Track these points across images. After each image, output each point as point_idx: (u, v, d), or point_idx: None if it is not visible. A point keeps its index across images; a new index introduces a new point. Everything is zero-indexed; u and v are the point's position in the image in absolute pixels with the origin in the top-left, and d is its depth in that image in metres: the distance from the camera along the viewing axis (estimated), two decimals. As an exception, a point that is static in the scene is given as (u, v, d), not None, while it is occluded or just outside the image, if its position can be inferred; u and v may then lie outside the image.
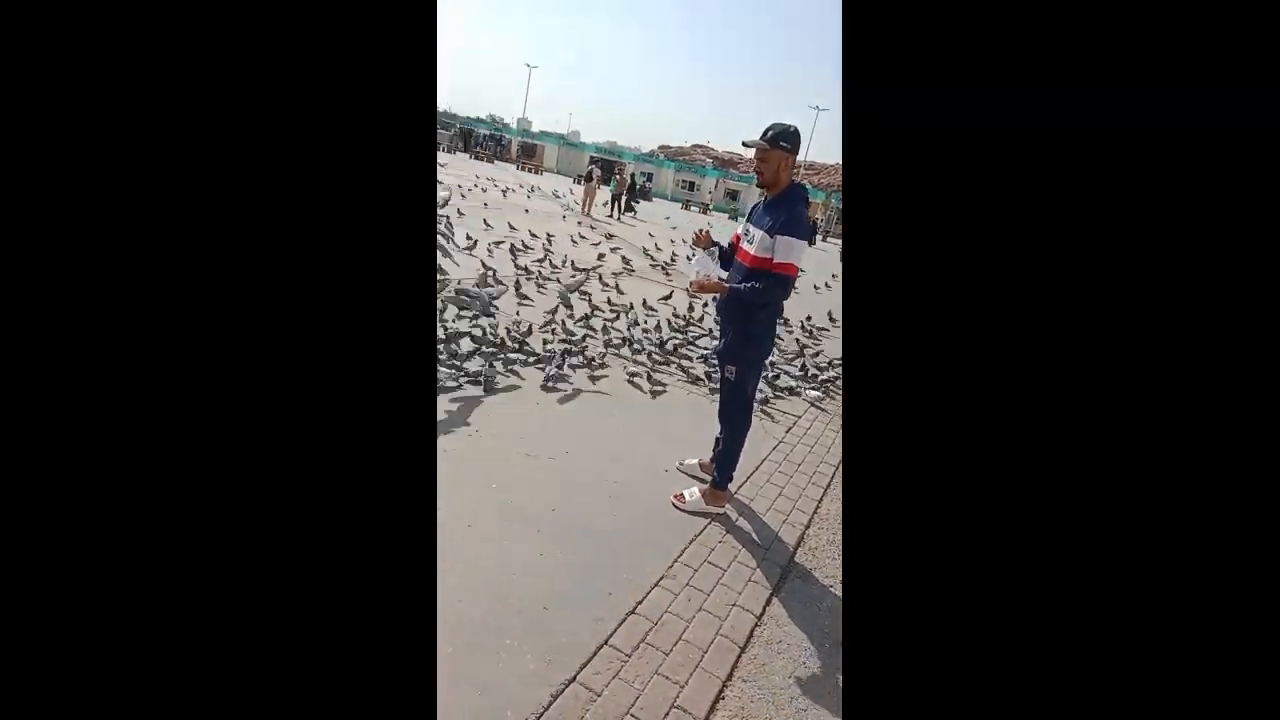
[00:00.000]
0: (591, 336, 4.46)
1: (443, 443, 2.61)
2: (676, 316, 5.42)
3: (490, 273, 5.17)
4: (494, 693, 1.50)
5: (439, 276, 4.84)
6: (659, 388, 3.74)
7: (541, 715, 1.46)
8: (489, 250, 6.74)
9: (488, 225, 8.29)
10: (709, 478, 2.55)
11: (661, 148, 49.34)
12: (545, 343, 4.05)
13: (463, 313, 4.14)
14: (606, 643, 1.71)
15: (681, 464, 2.79)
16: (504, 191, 13.76)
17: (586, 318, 4.82)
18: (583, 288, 5.56)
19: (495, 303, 4.30)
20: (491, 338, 3.87)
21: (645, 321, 5.09)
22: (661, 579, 2.03)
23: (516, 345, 3.83)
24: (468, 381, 3.23)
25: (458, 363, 3.38)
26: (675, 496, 2.49)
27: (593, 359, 3.90)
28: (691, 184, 36.58)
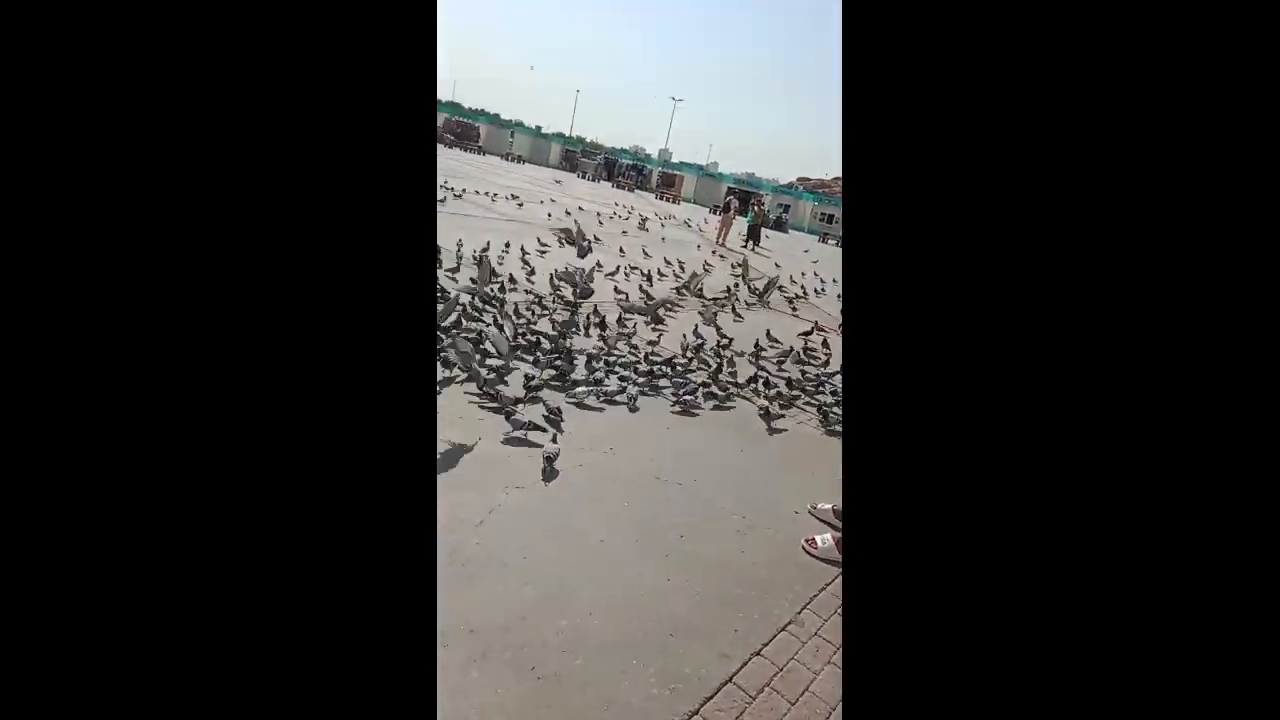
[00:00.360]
0: (723, 365, 4.47)
1: (579, 457, 2.74)
2: (809, 351, 5.27)
3: (623, 296, 5.41)
4: (619, 710, 1.53)
5: (578, 300, 5.13)
6: (788, 423, 3.66)
7: (664, 741, 1.48)
8: (625, 274, 7.03)
9: (622, 252, 8.65)
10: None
11: (801, 180, 48.57)
12: (677, 368, 4.13)
13: (606, 332, 4.34)
14: (730, 680, 1.69)
15: (814, 507, 2.69)
16: (642, 221, 14.28)
17: (720, 346, 4.85)
18: (717, 319, 5.60)
19: (630, 326, 4.46)
20: (633, 359, 4.02)
21: (771, 353, 5.01)
22: (789, 624, 1.97)
23: (648, 369, 3.95)
24: (605, 401, 3.39)
25: (596, 380, 3.55)
26: (807, 541, 2.41)
27: (727, 389, 3.91)
28: (830, 217, 35.46)
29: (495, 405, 3.02)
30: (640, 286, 6.16)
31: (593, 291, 4.58)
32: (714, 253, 11.53)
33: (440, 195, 10.29)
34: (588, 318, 4.78)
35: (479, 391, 3.13)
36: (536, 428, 2.88)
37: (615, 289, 5.95)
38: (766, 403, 3.79)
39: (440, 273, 5.12)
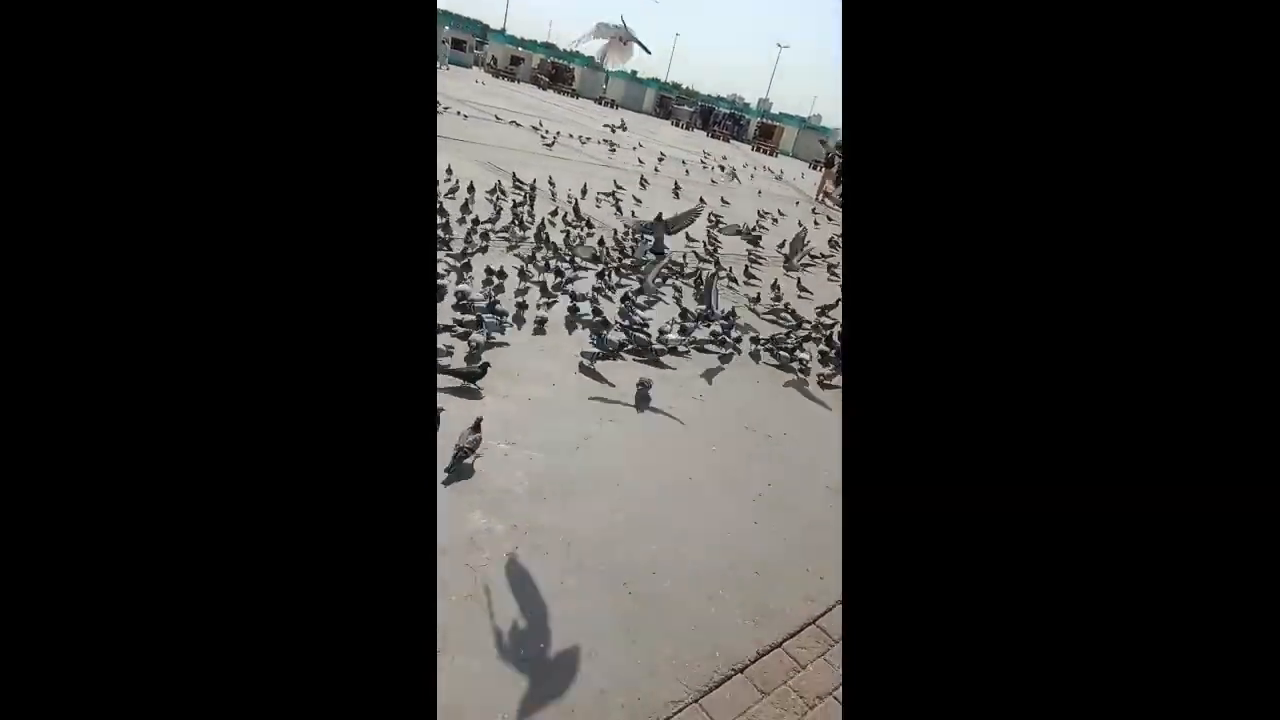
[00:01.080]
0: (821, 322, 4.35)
1: (669, 399, 2.80)
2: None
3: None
4: (706, 631, 1.61)
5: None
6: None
7: (747, 668, 1.54)
8: (712, 224, 6.89)
9: (702, 201, 8.45)
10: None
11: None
12: (774, 322, 4.06)
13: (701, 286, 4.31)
14: (814, 622, 1.73)
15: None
16: (732, 173, 13.83)
17: (824, 310, 4.71)
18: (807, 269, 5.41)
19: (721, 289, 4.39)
20: (719, 313, 4.00)
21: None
22: (874, 580, 1.97)
23: (732, 319, 3.91)
24: (695, 348, 3.40)
25: (689, 326, 3.57)
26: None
27: (826, 352, 3.82)
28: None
29: (599, 350, 3.11)
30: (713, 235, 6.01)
31: (666, 251, 4.57)
32: (813, 210, 11.05)
33: (548, 140, 10.44)
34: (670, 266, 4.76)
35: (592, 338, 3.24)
36: (611, 355, 3.01)
37: (688, 236, 5.84)
38: (825, 368, 3.62)
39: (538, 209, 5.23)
